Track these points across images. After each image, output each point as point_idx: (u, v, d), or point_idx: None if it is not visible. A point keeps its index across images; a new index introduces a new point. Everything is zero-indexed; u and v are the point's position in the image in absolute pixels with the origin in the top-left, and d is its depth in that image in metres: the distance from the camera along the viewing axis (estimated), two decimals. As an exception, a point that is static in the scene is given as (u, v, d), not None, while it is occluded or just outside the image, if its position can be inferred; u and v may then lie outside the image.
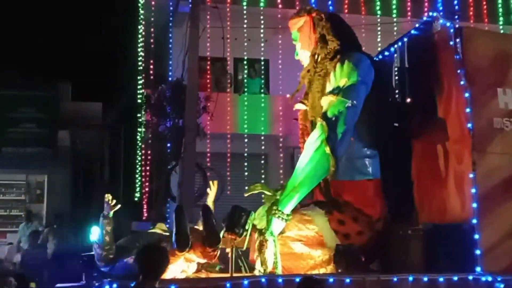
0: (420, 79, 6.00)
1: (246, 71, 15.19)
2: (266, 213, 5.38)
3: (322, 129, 5.31)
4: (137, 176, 14.86)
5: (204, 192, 13.41)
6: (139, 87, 14.50)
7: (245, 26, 14.21)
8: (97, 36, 18.96)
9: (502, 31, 13.91)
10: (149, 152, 13.92)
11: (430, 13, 6.14)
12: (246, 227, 5.15)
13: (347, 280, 4.79)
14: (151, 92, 13.35)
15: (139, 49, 14.93)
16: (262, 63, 15.01)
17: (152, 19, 14.51)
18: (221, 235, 5.20)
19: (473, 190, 5.16)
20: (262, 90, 15.17)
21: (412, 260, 5.29)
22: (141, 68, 14.72)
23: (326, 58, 5.79)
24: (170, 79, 13.82)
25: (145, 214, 14.36)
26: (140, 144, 14.59)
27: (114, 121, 17.58)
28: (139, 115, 14.08)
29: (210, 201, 6.14)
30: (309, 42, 5.98)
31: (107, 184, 17.48)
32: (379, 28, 14.89)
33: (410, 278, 4.89)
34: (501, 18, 15.01)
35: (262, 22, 14.40)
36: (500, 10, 15.17)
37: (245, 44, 14.56)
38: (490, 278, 4.99)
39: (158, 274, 4.07)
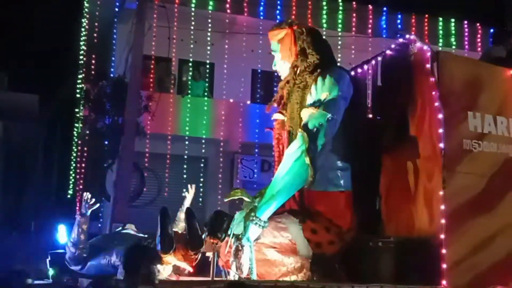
0: (394, 98, 6.12)
1: (190, 73, 15.09)
2: (244, 219, 5.34)
3: (303, 140, 5.42)
4: (71, 172, 14.45)
5: (140, 193, 13.33)
6: (79, 81, 14.13)
7: (192, 27, 14.14)
8: (38, 26, 18.37)
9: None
10: (85, 148, 13.58)
11: (407, 35, 6.31)
12: (228, 232, 5.16)
13: None
14: (91, 87, 13.03)
15: (81, 43, 14.57)
16: (207, 66, 14.97)
17: (97, 13, 14.20)
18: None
19: (442, 207, 5.31)
20: (205, 93, 15.11)
21: (382, 271, 5.41)
22: (82, 62, 14.37)
23: (305, 71, 5.87)
24: (112, 75, 13.55)
25: (78, 212, 13.97)
26: (76, 140, 14.21)
27: (51, 114, 17.06)
28: (77, 110, 13.72)
29: (186, 204, 6.00)
30: (289, 54, 6.01)
31: (40, 179, 16.92)
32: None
33: None
34: (440, 40, 15.60)
35: (209, 25, 14.38)
36: (440, 32, 15.78)
37: (191, 46, 14.49)
38: None
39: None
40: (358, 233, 5.70)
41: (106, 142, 12.36)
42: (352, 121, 5.84)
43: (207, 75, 15.07)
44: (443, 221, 5.25)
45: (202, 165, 14.57)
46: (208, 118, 14.49)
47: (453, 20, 15.89)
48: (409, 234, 5.63)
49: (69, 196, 14.47)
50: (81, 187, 13.76)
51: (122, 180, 10.94)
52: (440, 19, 15.85)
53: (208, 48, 14.63)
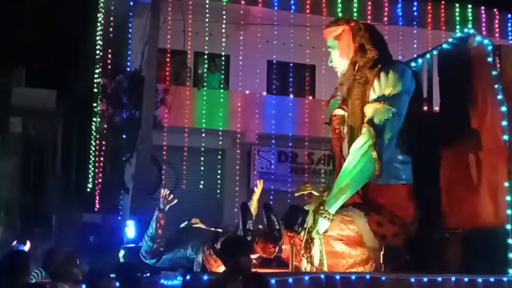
0: (452, 91, 6.27)
1: (206, 66, 15.11)
2: (313, 212, 5.57)
3: (369, 135, 5.59)
4: (90, 166, 14.59)
5: (159, 185, 13.41)
6: (95, 76, 14.22)
7: (206, 20, 14.14)
8: (54, 22, 18.49)
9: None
10: (103, 142, 13.68)
11: (466, 30, 6.41)
12: (304, 226, 5.38)
13: (383, 278, 5.06)
14: (107, 81, 13.12)
15: (97, 38, 14.64)
16: (223, 58, 14.97)
17: (112, 7, 14.26)
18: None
19: (508, 198, 5.50)
20: (221, 86, 15.13)
21: (449, 262, 5.61)
22: (98, 57, 14.44)
23: (365, 67, 6.02)
24: (128, 69, 13.62)
25: (97, 206, 14.12)
26: (94, 134, 14.33)
27: (69, 109, 17.22)
28: (94, 104, 13.83)
29: (255, 199, 6.21)
30: (348, 51, 6.16)
31: (58, 173, 17.11)
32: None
33: (453, 279, 5.20)
34: (457, 26, 15.40)
35: (224, 17, 14.36)
36: (457, 18, 15.58)
37: (206, 38, 14.48)
38: None
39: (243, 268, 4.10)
40: (420, 225, 5.82)
41: (124, 136, 12.45)
42: (411, 114, 5.96)
43: (223, 67, 15.09)
44: (509, 211, 5.45)
45: (219, 157, 14.62)
46: (225, 110, 14.51)
47: (470, 6, 15.68)
48: (473, 225, 5.74)
49: (88, 189, 14.62)
50: (100, 180, 13.90)
51: (140, 173, 11.01)
52: (457, 5, 15.64)
53: (223, 40, 14.62)
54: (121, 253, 5.96)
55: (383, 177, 5.72)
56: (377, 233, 5.59)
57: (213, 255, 5.09)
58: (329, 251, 5.51)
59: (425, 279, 5.12)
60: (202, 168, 14.14)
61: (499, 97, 5.65)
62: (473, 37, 6.12)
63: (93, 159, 14.35)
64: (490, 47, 5.84)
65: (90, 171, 14.59)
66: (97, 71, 14.28)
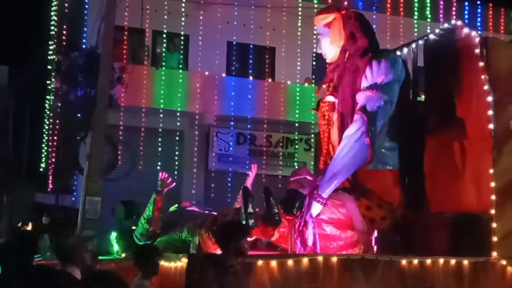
0: (438, 80, 6.41)
1: (165, 45, 14.84)
2: (307, 196, 5.68)
3: (362, 122, 5.70)
4: (43, 146, 14.19)
5: (114, 166, 13.17)
6: (50, 52, 13.78)
7: (166, -2, 13.87)
8: (6, -5, 17.81)
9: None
10: (57, 121, 13.31)
11: (453, 21, 6.52)
12: (302, 209, 5.49)
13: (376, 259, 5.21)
14: (62, 58, 12.71)
15: (52, 13, 14.17)
16: (182, 38, 14.72)
17: (68, -18, 13.81)
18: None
19: (492, 184, 5.68)
20: (180, 66, 14.90)
21: (436, 245, 5.76)
22: (53, 33, 13.99)
23: (355, 55, 6.14)
24: (83, 46, 13.24)
25: (50, 186, 13.78)
26: (48, 112, 13.92)
27: (21, 86, 16.66)
28: (48, 82, 13.41)
29: (249, 183, 6.31)
30: (339, 38, 6.27)
31: (10, 152, 16.60)
32: (300, 12, 15.03)
33: (441, 260, 5.37)
34: (416, 12, 15.57)
35: (184, -5, 14.11)
36: (416, 4, 15.74)
37: (165, 17, 14.22)
38: (504, 262, 5.59)
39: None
40: (406, 209, 6.02)
41: (79, 115, 12.12)
42: (399, 102, 6.07)
43: (182, 47, 14.83)
44: (493, 197, 5.64)
45: (177, 138, 14.44)
46: (183, 91, 14.31)
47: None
48: (457, 210, 5.92)
49: (41, 169, 14.23)
50: (53, 160, 13.54)
51: (95, 154, 10.77)
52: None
53: (183, 19, 14.38)
54: (113, 235, 5.96)
55: (372, 163, 5.86)
56: (366, 217, 5.75)
57: (212, 237, 5.15)
58: (321, 234, 5.63)
59: (416, 261, 5.27)
60: (160, 149, 13.96)
61: (485, 87, 5.79)
62: (461, 28, 6.23)
63: (46, 138, 13.96)
64: (477, 39, 5.97)
65: (43, 150, 14.20)
66: (51, 47, 13.85)
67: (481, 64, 5.85)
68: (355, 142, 5.72)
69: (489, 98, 5.76)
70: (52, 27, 14.04)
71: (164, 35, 14.55)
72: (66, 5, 13.90)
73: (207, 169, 14.60)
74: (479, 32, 6.29)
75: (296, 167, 15.13)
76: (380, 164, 5.95)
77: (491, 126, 5.75)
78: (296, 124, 14.97)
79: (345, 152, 5.75)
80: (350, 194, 5.84)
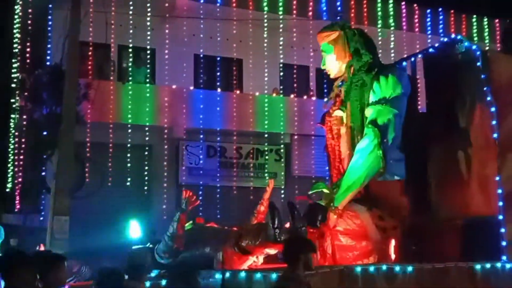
0: (440, 93, 6.67)
1: (131, 59, 14.74)
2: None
3: (375, 135, 5.93)
4: (9, 165, 13.91)
5: (82, 184, 12.97)
6: (13, 70, 13.55)
7: (130, 12, 13.79)
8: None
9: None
10: (23, 140, 13.07)
11: (453, 36, 6.74)
12: (324, 221, 5.73)
13: (397, 268, 5.40)
14: (26, 76, 12.54)
15: (15, 30, 13.95)
16: (148, 51, 14.65)
17: (31, -1, 13.64)
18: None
19: (499, 191, 5.94)
20: (147, 80, 14.81)
21: (447, 251, 6.01)
22: (16, 50, 13.77)
23: (361, 70, 6.37)
24: (48, 63, 13.06)
25: (18, 206, 13.50)
26: (13, 131, 13.66)
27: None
28: (12, 100, 13.18)
29: (265, 198, 6.54)
30: (344, 55, 6.53)
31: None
32: (265, 24, 15.12)
33: (455, 266, 5.60)
34: (379, 21, 15.81)
35: (149, 9, 14.05)
36: (379, 13, 15.99)
37: (131, 31, 14.13)
38: None
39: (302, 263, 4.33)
40: (414, 218, 6.23)
41: (45, 133, 11.93)
42: (407, 115, 6.33)
43: (148, 61, 14.75)
44: (500, 203, 5.89)
45: (146, 153, 14.33)
46: (151, 105, 14.21)
47: (391, 1, 16.14)
48: (464, 216, 6.16)
49: (8, 189, 13.94)
50: (20, 180, 13.28)
51: (62, 171, 10.61)
52: (379, 0, 16.06)
53: (148, 33, 14.32)
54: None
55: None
56: (378, 226, 5.95)
57: (238, 252, 5.37)
58: (337, 245, 5.86)
59: (430, 267, 5.49)
60: (129, 165, 13.82)
61: (488, 98, 6.07)
62: (461, 42, 6.55)
63: (12, 157, 13.69)
64: (478, 52, 6.26)
65: (9, 170, 13.92)
66: (15, 65, 13.62)
67: (483, 76, 6.13)
68: (368, 155, 5.94)
69: (492, 109, 6.05)
70: (15, 45, 13.82)
71: (130, 50, 14.46)
72: (30, 22, 13.70)
73: (178, 183, 14.51)
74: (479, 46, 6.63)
75: (267, 178, 15.17)
76: (389, 174, 6.15)
77: (495, 135, 6.03)
78: (266, 135, 15.01)
79: (359, 165, 5.96)
80: (362, 205, 6.03)
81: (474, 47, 6.44)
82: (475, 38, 16.90)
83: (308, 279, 4.19)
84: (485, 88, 6.09)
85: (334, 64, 6.60)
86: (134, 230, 6.01)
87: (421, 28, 16.58)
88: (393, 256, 5.91)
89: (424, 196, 6.53)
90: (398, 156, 6.20)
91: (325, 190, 6.24)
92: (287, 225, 5.55)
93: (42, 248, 7.43)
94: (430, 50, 6.91)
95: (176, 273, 4.06)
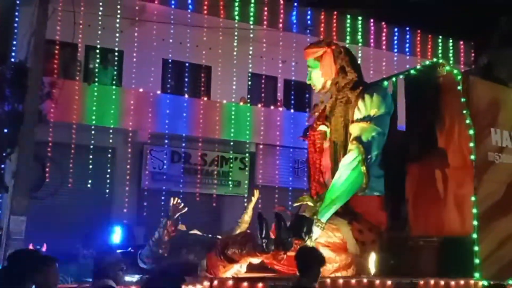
0: (419, 113, 6.88)
1: (98, 60, 14.57)
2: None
3: (359, 152, 6.08)
4: (-34, 162, 13.51)
5: (41, 184, 12.71)
6: (-24, 65, 13.20)
7: (100, 13, 13.64)
8: None
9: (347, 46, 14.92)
10: (-18, 137, 12.72)
11: (435, 59, 6.94)
12: (310, 234, 5.80)
13: (377, 282, 5.55)
14: (-11, 71, 12.22)
15: (-21, 25, 13.63)
16: (116, 53, 14.50)
17: (-3, -6, 13.36)
18: None
19: (474, 210, 6.14)
20: (114, 82, 14.65)
21: (423, 267, 6.18)
22: (-20, 45, 13.44)
23: (346, 87, 6.53)
24: (12, 60, 12.79)
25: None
26: (-28, 127, 13.29)
27: None
28: (-27, 95, 12.82)
29: (250, 207, 6.67)
30: (330, 72, 6.68)
31: None
32: (236, 33, 15.17)
33: (432, 282, 5.75)
34: (348, 37, 16.05)
35: (118, 11, 13.93)
36: (348, 29, 16.24)
37: (99, 32, 13.98)
38: (486, 283, 5.98)
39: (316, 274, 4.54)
40: (392, 233, 6.42)
41: (6, 130, 11.65)
42: (388, 133, 6.49)
43: (116, 62, 14.60)
44: (475, 222, 6.11)
45: (109, 155, 14.13)
46: (116, 107, 14.05)
47: (360, 18, 16.41)
48: (439, 233, 6.38)
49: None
50: (-24, 177, 12.90)
51: (21, 171, 10.37)
52: (348, 16, 16.31)
53: (117, 35, 14.19)
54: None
55: None
56: (358, 240, 6.13)
57: (224, 260, 5.48)
58: None
59: (407, 281, 5.66)
60: (91, 167, 13.60)
61: (467, 121, 6.30)
62: (442, 66, 6.78)
63: (-31, 154, 13.31)
64: (459, 77, 6.50)
65: (-34, 167, 13.52)
66: (-23, 60, 13.29)
67: (463, 100, 6.37)
68: (352, 170, 6.10)
69: (471, 131, 6.27)
70: (-22, 39, 13.50)
71: (98, 50, 14.30)
72: (-5, 17, 13.42)
73: (140, 187, 14.35)
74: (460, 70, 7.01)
75: (231, 186, 15.15)
76: (369, 190, 6.33)
77: (472, 156, 6.23)
78: (231, 143, 15.00)
79: (343, 180, 6.11)
80: (343, 219, 6.17)
81: (455, 71, 6.67)
82: (440, 59, 17.32)
83: None
84: (464, 111, 6.32)
85: (320, 80, 6.77)
86: (116, 235, 6.02)
87: (388, 46, 16.90)
88: (372, 270, 6.01)
89: (402, 213, 6.73)
90: (378, 172, 6.39)
91: (310, 203, 6.39)
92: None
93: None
94: (412, 71, 7.11)
95: (159, 278, 4.06)
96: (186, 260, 5.67)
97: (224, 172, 15.22)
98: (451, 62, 17.37)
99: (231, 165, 15.21)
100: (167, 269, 5.45)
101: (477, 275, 6.02)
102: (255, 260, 5.65)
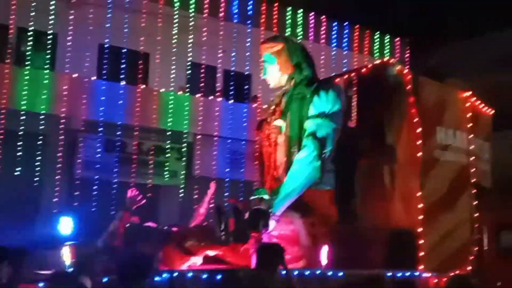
0: (370, 110, 7.01)
1: (31, 43, 13.98)
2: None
3: (314, 147, 6.25)
4: None
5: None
6: None
7: (33, -7, 13.11)
8: None
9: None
10: None
11: (386, 59, 7.04)
12: (267, 227, 5.89)
13: (329, 273, 5.73)
14: None
15: None
16: (50, 37, 13.96)
17: None
18: None
19: (420, 205, 6.38)
20: (46, 66, 14.10)
21: (372, 258, 6.29)
22: None
23: (301, 83, 6.66)
24: None
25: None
26: None
27: None
28: None
29: (206, 200, 6.73)
30: (286, 67, 6.80)
31: None
32: (175, 20, 14.94)
33: (381, 273, 5.95)
34: (288, 29, 16.14)
35: (53, -8, 13.43)
36: (289, 22, 16.34)
37: (33, 14, 13.41)
38: (429, 274, 6.29)
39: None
40: (341, 225, 6.53)
41: None
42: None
43: (49, 46, 14.06)
44: (421, 217, 6.35)
45: (39, 142, 13.61)
46: (49, 93, 13.55)
47: (300, 10, 16.52)
48: (387, 227, 6.55)
49: None
50: None
51: None
52: (289, 8, 16.39)
53: (51, 17, 13.65)
54: (64, 251, 5.62)
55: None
56: (310, 233, 6.20)
57: (181, 252, 5.52)
58: None
59: (358, 272, 5.85)
60: (20, 153, 13.07)
61: (416, 119, 6.52)
62: (393, 65, 6.98)
63: None
64: (409, 76, 6.71)
65: None
66: None
67: (412, 99, 6.59)
68: (307, 165, 6.24)
69: (419, 129, 6.48)
70: None
71: (31, 33, 13.72)
72: None
73: (72, 175, 13.93)
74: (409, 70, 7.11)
75: (167, 176, 14.95)
76: (321, 184, 6.46)
77: (419, 153, 6.45)
78: (168, 133, 14.79)
79: (297, 174, 6.27)
80: (296, 212, 6.28)
81: (405, 71, 6.89)
82: (377, 54, 17.73)
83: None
84: (413, 110, 6.55)
85: (276, 75, 6.88)
86: (65, 225, 5.85)
87: (327, 40, 17.13)
88: (323, 262, 6.17)
89: (352, 206, 6.93)
90: (330, 167, 6.56)
91: (266, 197, 6.46)
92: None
93: None
94: (363, 70, 7.33)
95: (125, 273, 4.03)
96: (141, 253, 5.59)
97: (160, 162, 15.00)
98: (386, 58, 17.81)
99: (168, 155, 15.01)
100: (127, 263, 5.38)
101: (421, 266, 6.29)
102: (212, 253, 5.74)
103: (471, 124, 7.21)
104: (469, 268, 6.72)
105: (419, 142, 6.50)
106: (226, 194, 13.82)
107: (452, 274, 6.20)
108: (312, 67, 6.87)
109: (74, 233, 5.95)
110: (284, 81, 6.85)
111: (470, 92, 7.43)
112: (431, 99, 6.84)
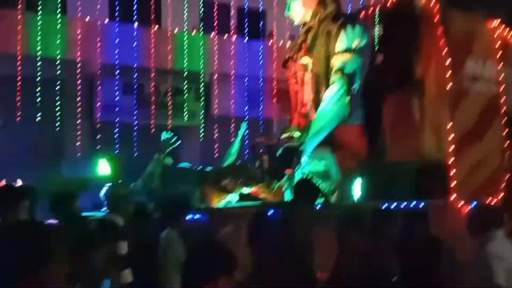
0: (396, 44, 7.01)
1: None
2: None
3: (343, 83, 6.32)
4: None
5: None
6: None
7: None
8: None
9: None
10: None
11: None
12: (299, 164, 6.09)
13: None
14: None
15: None
16: (59, -20, 13.70)
17: None
18: None
19: (451, 136, 6.56)
20: (58, 10, 13.89)
21: (400, 190, 6.43)
22: None
23: (327, 19, 6.64)
24: None
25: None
26: None
27: None
28: None
29: (237, 140, 6.92)
30: (310, 2, 6.79)
31: None
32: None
33: (414, 203, 6.08)
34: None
35: None
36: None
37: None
38: (462, 202, 6.46)
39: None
40: (370, 159, 6.73)
41: None
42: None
43: (60, -11, 13.81)
44: (451, 148, 6.55)
45: (57, 88, 13.59)
46: (63, 37, 13.40)
47: None
48: (415, 158, 6.74)
49: None
50: None
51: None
52: None
53: (60, -41, 13.35)
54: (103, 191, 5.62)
55: None
56: (341, 167, 6.37)
57: (218, 190, 5.83)
58: None
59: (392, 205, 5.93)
60: (39, 99, 13.09)
61: (444, 51, 6.57)
62: None
63: None
64: (436, 7, 6.69)
65: None
66: None
67: (440, 30, 6.62)
68: (337, 101, 6.31)
69: (448, 61, 6.53)
70: None
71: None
72: None
73: (92, 120, 14.00)
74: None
75: (186, 117, 14.95)
76: (351, 120, 6.65)
77: (449, 85, 6.54)
78: (185, 73, 14.68)
79: (327, 111, 6.33)
80: (326, 148, 6.41)
81: (433, 1, 6.83)
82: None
83: None
84: (441, 41, 6.57)
85: (300, 11, 6.84)
86: (104, 167, 6.04)
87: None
88: (355, 196, 6.29)
89: (381, 140, 7.07)
90: (358, 102, 6.71)
91: (296, 134, 6.69)
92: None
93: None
94: (389, 2, 7.27)
95: (165, 212, 4.18)
96: (179, 192, 5.70)
97: (178, 104, 14.97)
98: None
99: (185, 96, 14.95)
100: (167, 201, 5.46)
101: (454, 195, 6.49)
102: (247, 190, 5.93)
103: (500, 53, 7.13)
104: (502, 194, 6.82)
105: (449, 74, 6.46)
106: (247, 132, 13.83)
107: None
108: (336, 1, 6.74)
109: (112, 174, 6.10)
110: (309, 17, 6.73)
111: (499, 21, 7.24)
112: (459, 30, 6.81)
